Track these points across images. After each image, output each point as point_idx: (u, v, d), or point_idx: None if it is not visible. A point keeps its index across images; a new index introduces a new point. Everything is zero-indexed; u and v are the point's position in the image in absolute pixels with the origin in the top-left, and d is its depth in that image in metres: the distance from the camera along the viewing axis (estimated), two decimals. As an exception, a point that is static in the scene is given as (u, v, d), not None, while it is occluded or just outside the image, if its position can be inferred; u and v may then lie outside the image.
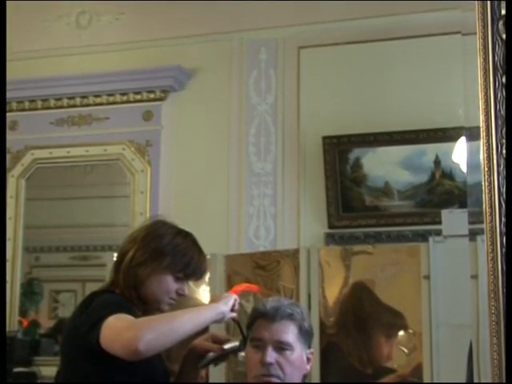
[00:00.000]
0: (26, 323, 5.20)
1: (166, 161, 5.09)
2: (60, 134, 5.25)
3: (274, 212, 4.87)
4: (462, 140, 4.08)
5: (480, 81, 1.69)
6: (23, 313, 5.21)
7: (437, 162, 4.61)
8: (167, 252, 2.38)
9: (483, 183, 1.67)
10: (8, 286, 5.01)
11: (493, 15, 1.69)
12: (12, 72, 5.25)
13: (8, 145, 5.14)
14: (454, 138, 4.39)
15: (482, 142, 1.73)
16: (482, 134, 1.73)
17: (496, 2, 1.69)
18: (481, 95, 1.70)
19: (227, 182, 4.97)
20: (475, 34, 1.79)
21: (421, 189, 4.65)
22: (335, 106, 4.83)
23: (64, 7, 5.37)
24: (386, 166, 4.74)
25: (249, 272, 4.03)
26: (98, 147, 5.17)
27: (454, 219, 3.70)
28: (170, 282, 2.37)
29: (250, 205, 4.91)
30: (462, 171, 4.39)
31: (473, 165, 4.03)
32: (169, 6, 5.15)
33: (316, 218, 4.78)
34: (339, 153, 4.78)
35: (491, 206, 1.65)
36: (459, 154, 4.43)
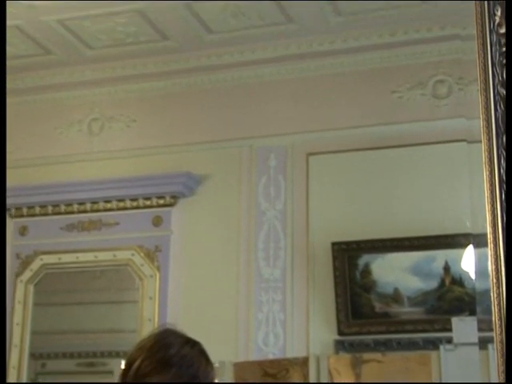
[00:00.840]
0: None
1: (175, 266, 5.09)
2: (69, 240, 5.26)
3: (283, 318, 4.83)
4: (470, 247, 4.08)
5: (487, 193, 1.70)
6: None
7: (446, 268, 4.59)
8: (173, 363, 2.35)
9: (492, 294, 1.66)
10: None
11: (497, 123, 1.72)
12: (24, 178, 5.33)
13: (17, 250, 5.16)
14: (463, 244, 4.39)
15: (489, 254, 1.73)
16: (490, 245, 1.73)
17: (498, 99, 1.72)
18: (488, 207, 1.70)
19: (236, 287, 4.95)
20: (480, 142, 1.82)
21: (431, 295, 4.62)
22: (344, 212, 4.85)
23: (77, 114, 5.47)
24: (395, 272, 4.72)
25: (258, 380, 3.98)
26: (108, 252, 5.18)
27: (464, 327, 3.67)
28: (176, 394, 2.33)
29: (259, 311, 4.87)
30: (471, 277, 4.37)
31: (481, 271, 4.03)
32: (179, 114, 5.25)
33: (325, 324, 4.75)
34: (348, 259, 4.78)
35: (500, 318, 1.64)
36: (468, 261, 4.42)
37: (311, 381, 3.79)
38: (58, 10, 4.67)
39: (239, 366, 4.10)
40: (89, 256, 5.21)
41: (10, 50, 5.11)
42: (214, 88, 5.23)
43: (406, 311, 4.65)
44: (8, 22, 4.76)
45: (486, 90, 1.76)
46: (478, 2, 1.78)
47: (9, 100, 5.49)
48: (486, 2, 1.81)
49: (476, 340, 3.15)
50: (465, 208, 3.52)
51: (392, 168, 4.82)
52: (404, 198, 4.76)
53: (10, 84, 5.43)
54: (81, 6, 4.63)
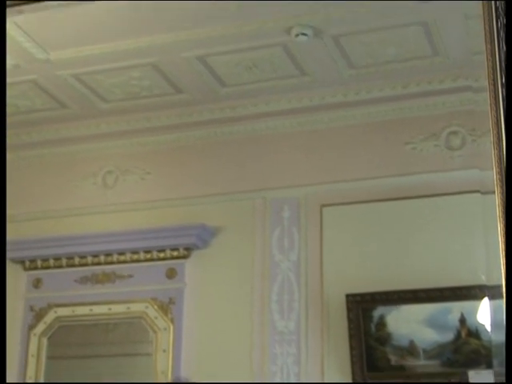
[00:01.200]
0: None
1: (189, 319, 5.07)
2: (83, 292, 5.26)
3: (298, 371, 4.79)
4: (486, 299, 4.05)
5: (501, 245, 1.70)
6: None
7: (462, 320, 4.55)
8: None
9: (505, 349, 1.65)
10: None
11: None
12: (38, 230, 5.35)
13: (31, 303, 5.15)
14: (479, 296, 4.36)
15: (504, 306, 1.72)
16: (505, 297, 1.72)
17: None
18: (502, 260, 1.70)
19: (250, 340, 4.92)
20: (493, 193, 1.82)
21: (447, 348, 4.57)
22: (358, 263, 4.83)
23: (91, 167, 5.51)
24: (410, 325, 4.68)
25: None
26: (121, 305, 5.17)
27: (481, 380, 3.63)
28: None
29: (273, 363, 4.84)
30: (487, 330, 4.33)
31: (497, 324, 3.99)
32: (193, 166, 5.28)
33: (340, 377, 4.70)
34: (363, 311, 4.74)
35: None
36: (484, 313, 4.38)
37: None
38: (73, 64, 4.72)
39: (253, 420, 4.06)
40: (103, 309, 5.20)
41: (25, 104, 5.17)
42: (228, 140, 5.26)
43: (421, 364, 4.60)
44: (24, 77, 4.85)
45: (499, 143, 1.77)
46: (489, 57, 1.80)
47: (24, 153, 5.56)
48: (497, 57, 1.83)
49: (493, 394, 3.11)
50: (479, 259, 3.50)
51: (406, 219, 4.81)
52: (418, 249, 4.74)
53: (25, 137, 5.50)
54: (96, 61, 4.68)
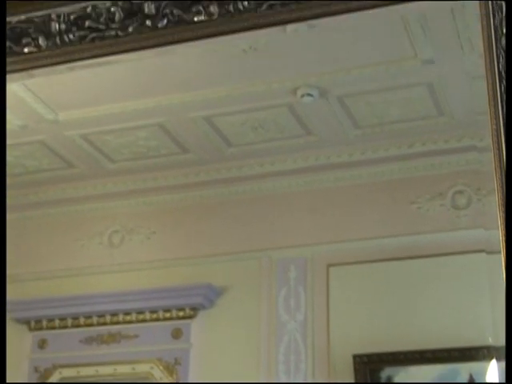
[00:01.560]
0: None
1: (194, 379, 5.03)
2: (89, 353, 5.22)
3: (305, 433, 4.73)
4: (494, 361, 4.01)
5: (506, 307, 1.70)
6: None
7: (471, 381, 4.50)
8: None
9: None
10: None
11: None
12: (44, 290, 5.34)
13: (36, 363, 5.12)
14: (487, 357, 4.31)
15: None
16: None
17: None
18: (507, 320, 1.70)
19: (256, 401, 4.87)
20: (499, 253, 1.82)
21: (456, 409, 4.51)
22: (365, 323, 4.80)
23: (97, 226, 5.51)
24: (419, 386, 4.63)
25: None
26: (127, 365, 5.13)
27: None
28: None
29: (280, 425, 4.79)
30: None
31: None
32: (199, 225, 5.28)
33: None
34: (370, 372, 4.70)
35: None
36: (493, 374, 4.33)
37: None
38: (81, 124, 4.76)
39: None
40: (108, 369, 5.16)
41: (33, 164, 5.21)
42: (234, 200, 5.28)
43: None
44: (32, 138, 4.89)
45: (506, 205, 1.77)
46: (493, 119, 1.82)
47: (31, 213, 5.57)
48: (501, 119, 1.85)
49: None
50: (486, 319, 3.48)
51: (412, 279, 4.79)
52: (425, 308, 4.71)
53: (32, 197, 5.52)
54: (104, 121, 4.73)
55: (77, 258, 5.48)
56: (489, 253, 3.67)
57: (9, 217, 5.46)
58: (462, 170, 4.87)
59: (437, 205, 4.89)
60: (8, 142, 4.79)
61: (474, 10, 2.23)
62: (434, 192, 4.91)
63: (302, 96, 4.40)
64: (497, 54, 2.03)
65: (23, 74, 2.56)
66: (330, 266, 5.00)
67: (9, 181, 5.26)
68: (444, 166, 4.92)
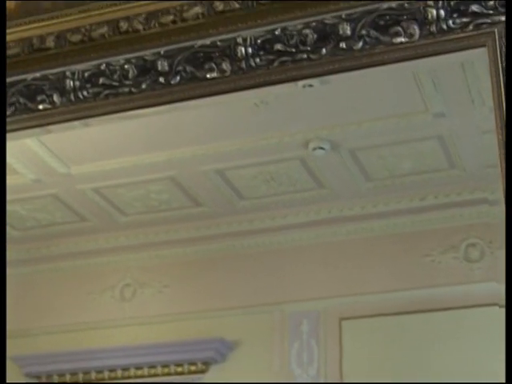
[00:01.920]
0: None
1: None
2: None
3: None
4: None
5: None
6: None
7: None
8: None
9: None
10: None
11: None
12: (56, 345, 5.32)
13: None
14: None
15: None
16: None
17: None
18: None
19: None
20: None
21: None
22: (378, 377, 4.75)
23: (110, 280, 5.51)
24: None
25: None
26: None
27: None
28: None
29: None
30: None
31: None
32: (211, 279, 5.26)
33: None
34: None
35: None
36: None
37: None
38: (93, 178, 4.78)
39: None
40: (119, 424, 5.11)
41: (45, 217, 5.22)
42: (246, 253, 5.27)
43: None
44: (44, 191, 4.91)
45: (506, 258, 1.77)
46: (504, 173, 1.82)
47: (43, 266, 5.58)
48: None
49: None
50: (499, 374, 3.43)
51: (425, 332, 4.76)
52: (438, 362, 4.67)
53: (44, 251, 5.53)
54: (116, 175, 4.75)
55: (88, 312, 5.46)
56: (501, 306, 3.63)
57: (21, 271, 5.49)
58: (474, 222, 4.86)
59: (450, 258, 4.87)
60: (21, 195, 4.87)
61: (483, 64, 2.24)
62: (447, 245, 4.90)
63: (314, 149, 4.42)
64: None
65: (38, 130, 2.59)
66: (342, 319, 4.97)
67: (21, 234, 5.33)
68: (456, 218, 4.91)
